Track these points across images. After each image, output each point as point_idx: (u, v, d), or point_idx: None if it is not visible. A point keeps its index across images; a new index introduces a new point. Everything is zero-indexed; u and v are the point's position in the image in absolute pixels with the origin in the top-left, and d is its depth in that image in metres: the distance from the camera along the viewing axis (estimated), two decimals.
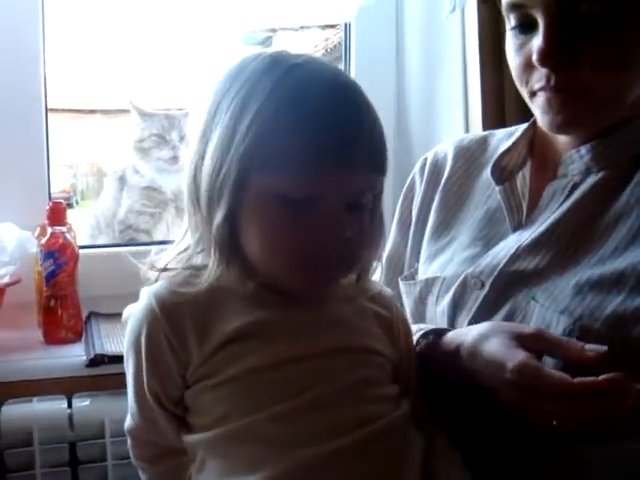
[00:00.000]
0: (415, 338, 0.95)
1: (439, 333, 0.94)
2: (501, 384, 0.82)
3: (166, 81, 2.44)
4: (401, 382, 0.87)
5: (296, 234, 0.77)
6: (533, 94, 0.97)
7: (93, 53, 2.60)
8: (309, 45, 2.23)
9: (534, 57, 0.92)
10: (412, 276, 1.09)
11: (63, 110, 3.32)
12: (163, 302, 0.81)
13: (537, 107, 0.97)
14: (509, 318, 0.93)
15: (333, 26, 2.06)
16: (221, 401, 0.79)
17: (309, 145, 0.74)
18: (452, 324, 0.99)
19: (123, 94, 2.19)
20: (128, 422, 0.87)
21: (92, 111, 3.55)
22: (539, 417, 0.80)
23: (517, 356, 0.81)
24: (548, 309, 0.90)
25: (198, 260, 0.84)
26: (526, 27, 0.94)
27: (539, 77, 0.94)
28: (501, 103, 1.48)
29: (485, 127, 1.48)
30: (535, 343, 0.83)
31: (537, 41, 0.92)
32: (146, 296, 0.82)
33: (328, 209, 0.77)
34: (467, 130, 1.56)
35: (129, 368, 0.83)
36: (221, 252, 0.79)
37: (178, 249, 0.85)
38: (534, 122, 1.06)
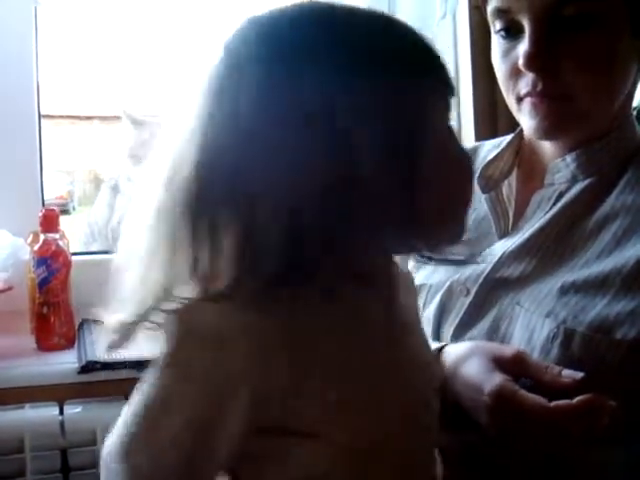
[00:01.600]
0: None
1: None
2: (479, 407, 0.83)
3: (163, 87, 2.45)
4: None
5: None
6: (519, 100, 0.97)
7: (91, 59, 2.61)
8: None
9: (520, 61, 0.92)
10: None
11: (60, 116, 3.34)
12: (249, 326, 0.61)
13: (523, 113, 0.97)
14: (495, 324, 0.94)
15: None
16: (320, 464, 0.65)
17: None
18: (438, 331, 0.99)
19: (120, 101, 2.20)
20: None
21: (89, 117, 3.56)
22: (516, 440, 0.81)
23: (494, 379, 0.82)
24: (533, 313, 0.90)
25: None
26: (512, 32, 0.95)
27: (526, 83, 0.95)
28: (493, 110, 1.49)
29: (477, 134, 1.49)
30: (514, 366, 0.83)
31: (523, 46, 0.92)
32: (218, 315, 0.62)
33: None
34: (460, 138, 1.56)
35: (169, 395, 0.62)
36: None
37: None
38: (520, 132, 1.07)
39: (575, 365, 0.85)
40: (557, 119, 0.95)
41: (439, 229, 0.69)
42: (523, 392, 0.79)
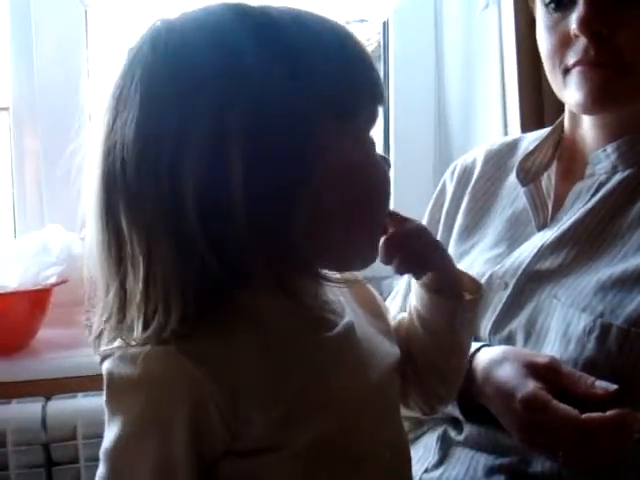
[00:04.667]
0: None
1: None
2: (509, 413, 0.83)
3: None
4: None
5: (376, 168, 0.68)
6: (567, 72, 0.95)
7: None
8: None
9: (574, 26, 0.90)
10: None
11: None
12: (205, 361, 0.61)
13: (570, 85, 0.95)
14: (533, 318, 0.93)
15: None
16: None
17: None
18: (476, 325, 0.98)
19: None
20: None
21: None
22: (544, 450, 0.82)
23: (527, 386, 0.82)
24: (570, 307, 0.89)
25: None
26: (560, 4, 0.94)
27: (577, 51, 0.92)
28: (540, 101, 1.46)
29: (523, 125, 1.47)
30: (547, 374, 0.83)
31: (577, 11, 0.90)
32: (169, 356, 0.61)
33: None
34: (505, 128, 1.55)
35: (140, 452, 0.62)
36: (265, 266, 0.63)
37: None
38: (561, 123, 1.05)
39: (611, 359, 0.85)
40: (607, 89, 0.92)
41: (343, 254, 0.68)
42: (555, 402, 0.79)
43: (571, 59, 0.93)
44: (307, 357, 0.66)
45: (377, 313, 0.79)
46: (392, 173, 1.69)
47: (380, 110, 0.69)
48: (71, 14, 1.59)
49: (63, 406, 1.35)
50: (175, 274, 0.60)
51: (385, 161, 0.70)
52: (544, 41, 0.98)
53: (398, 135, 1.75)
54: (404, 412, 0.99)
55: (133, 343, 0.62)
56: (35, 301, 1.47)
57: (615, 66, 0.91)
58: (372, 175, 0.68)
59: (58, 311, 1.49)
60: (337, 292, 0.72)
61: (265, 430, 0.62)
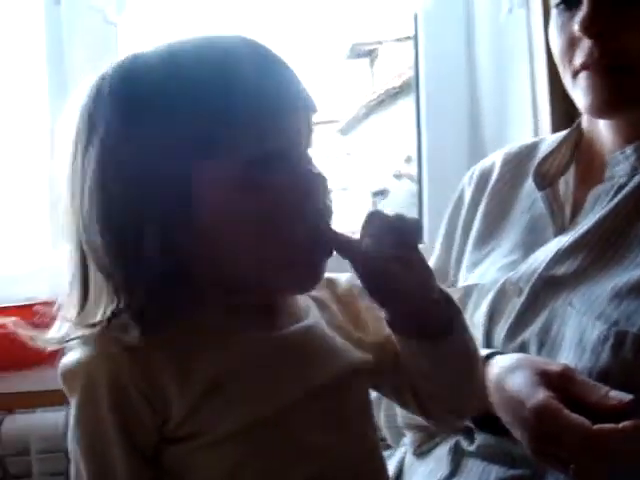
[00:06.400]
0: None
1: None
2: (520, 422, 0.81)
3: None
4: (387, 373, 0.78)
5: (280, 206, 0.67)
6: (575, 74, 0.93)
7: None
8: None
9: (577, 27, 0.89)
10: (453, 284, 1.07)
11: None
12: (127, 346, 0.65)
13: (578, 89, 0.94)
14: (547, 325, 0.91)
15: None
16: (224, 461, 0.67)
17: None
18: (490, 332, 0.97)
19: None
20: None
21: None
22: (555, 463, 0.79)
23: (538, 395, 0.79)
24: (584, 315, 0.87)
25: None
26: (570, 3, 0.92)
27: (582, 52, 0.91)
28: (570, 101, 1.43)
29: (554, 126, 1.44)
30: (560, 382, 0.81)
31: (581, 11, 0.89)
32: (95, 343, 0.67)
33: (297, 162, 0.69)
34: (537, 130, 1.52)
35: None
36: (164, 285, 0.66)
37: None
38: (579, 125, 1.03)
39: (627, 368, 0.82)
40: (613, 93, 0.91)
41: (263, 283, 0.70)
42: (567, 411, 0.77)
43: (578, 60, 0.92)
44: (240, 350, 0.68)
45: (359, 325, 0.78)
46: (424, 176, 1.69)
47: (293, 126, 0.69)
48: (103, 33, 1.61)
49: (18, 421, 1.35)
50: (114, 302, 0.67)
51: (314, 176, 0.69)
52: (555, 41, 0.97)
53: (430, 138, 1.72)
54: (415, 421, 0.98)
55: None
56: None
57: (620, 69, 0.89)
58: (269, 199, 0.67)
59: None
60: (307, 299, 0.76)
61: (188, 412, 0.66)
